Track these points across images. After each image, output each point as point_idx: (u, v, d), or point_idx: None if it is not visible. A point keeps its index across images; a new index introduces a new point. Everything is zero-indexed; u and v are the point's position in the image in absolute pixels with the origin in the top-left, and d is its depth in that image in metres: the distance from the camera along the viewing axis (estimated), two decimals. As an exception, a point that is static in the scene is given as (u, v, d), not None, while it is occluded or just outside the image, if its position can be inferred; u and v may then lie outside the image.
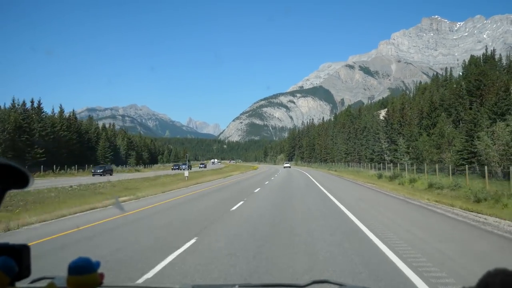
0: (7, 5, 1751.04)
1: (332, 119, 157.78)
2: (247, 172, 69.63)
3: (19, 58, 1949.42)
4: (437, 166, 36.37)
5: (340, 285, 1.96)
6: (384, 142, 66.41)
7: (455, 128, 54.60)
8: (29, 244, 1.32)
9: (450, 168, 33.52)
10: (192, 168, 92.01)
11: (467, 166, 30.45)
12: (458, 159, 44.03)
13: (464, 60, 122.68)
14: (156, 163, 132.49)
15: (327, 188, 29.20)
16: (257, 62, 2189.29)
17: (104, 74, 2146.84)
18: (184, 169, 63.07)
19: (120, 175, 52.99)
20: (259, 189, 29.60)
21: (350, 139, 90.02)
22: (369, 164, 71.85)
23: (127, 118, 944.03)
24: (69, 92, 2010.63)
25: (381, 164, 63.08)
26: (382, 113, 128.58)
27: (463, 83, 66.95)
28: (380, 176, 44.38)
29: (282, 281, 5.71)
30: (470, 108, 54.62)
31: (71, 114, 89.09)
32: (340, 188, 30.46)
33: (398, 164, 55.17)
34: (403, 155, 59.32)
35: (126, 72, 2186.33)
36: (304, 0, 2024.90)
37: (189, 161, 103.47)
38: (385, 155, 66.18)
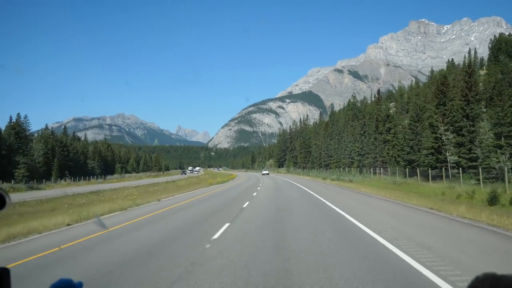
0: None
1: (328, 119, 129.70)
2: (204, 189, 41.14)
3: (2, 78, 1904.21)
4: None
5: None
6: (445, 131, 37.76)
7: None
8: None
9: None
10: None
11: None
12: None
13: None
14: (112, 173, 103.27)
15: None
16: (245, 68, 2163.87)
17: (92, 85, 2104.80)
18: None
19: None
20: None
21: (366, 134, 61.29)
22: (406, 170, 43.42)
23: (114, 128, 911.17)
24: (56, 104, 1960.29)
25: (439, 169, 35.29)
26: (392, 107, 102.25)
27: None
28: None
29: None
30: None
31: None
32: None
33: (480, 169, 27.65)
34: (492, 152, 30.95)
35: (114, 82, 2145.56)
36: (292, 6, 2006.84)
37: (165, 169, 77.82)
38: (446, 154, 37.55)
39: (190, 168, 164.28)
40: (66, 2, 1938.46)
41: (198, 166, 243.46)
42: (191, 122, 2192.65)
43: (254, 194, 28.29)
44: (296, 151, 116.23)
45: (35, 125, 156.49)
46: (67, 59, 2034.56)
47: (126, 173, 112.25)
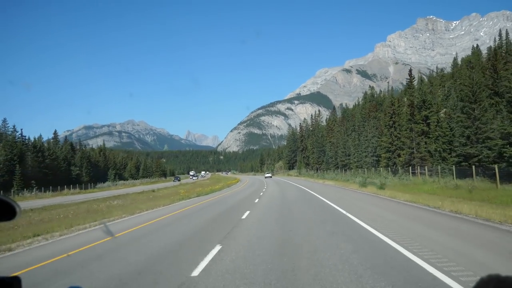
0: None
1: (340, 117, 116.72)
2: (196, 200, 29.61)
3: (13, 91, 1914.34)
4: None
5: None
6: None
7: None
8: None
9: None
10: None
11: None
12: None
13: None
14: (104, 181, 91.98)
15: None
16: (253, 71, 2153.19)
17: (101, 93, 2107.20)
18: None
19: None
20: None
21: (396, 125, 48.62)
22: (453, 168, 31.30)
23: (124, 134, 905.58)
24: (67, 113, 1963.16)
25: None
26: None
27: None
28: None
29: None
30: None
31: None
32: None
33: None
34: None
35: (123, 88, 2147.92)
36: (298, 8, 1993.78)
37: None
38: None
39: (191, 172, 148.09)
40: (75, 15, 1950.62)
41: (203, 171, 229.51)
42: (201, 127, 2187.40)
43: (244, 216, 16.36)
44: (308, 151, 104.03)
45: (46, 134, 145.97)
46: (76, 69, 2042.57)
47: (121, 179, 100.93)
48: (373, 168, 54.33)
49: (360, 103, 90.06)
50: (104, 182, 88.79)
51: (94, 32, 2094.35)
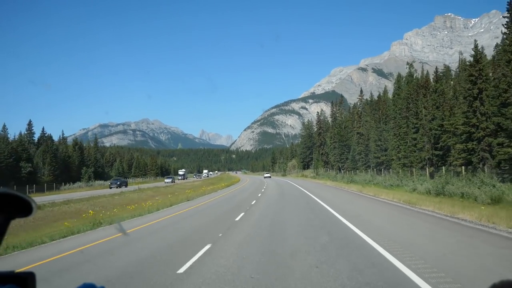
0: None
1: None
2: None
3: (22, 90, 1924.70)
4: None
5: None
6: None
7: None
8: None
9: None
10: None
11: None
12: None
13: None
14: (78, 180, 73.61)
15: None
16: (267, 70, 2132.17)
17: (117, 91, 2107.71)
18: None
19: None
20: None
21: (484, 98, 28.69)
22: None
23: (138, 133, 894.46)
24: (83, 112, 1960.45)
25: None
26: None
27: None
28: None
29: None
30: None
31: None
32: None
33: None
34: None
35: (138, 87, 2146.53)
36: (313, 8, 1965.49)
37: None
38: None
39: (181, 172, 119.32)
40: (91, 19, 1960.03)
41: (206, 170, 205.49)
42: (215, 126, 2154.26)
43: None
44: (327, 146, 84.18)
45: (65, 132, 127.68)
46: (93, 68, 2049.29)
47: (102, 179, 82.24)
48: (429, 168, 34.36)
49: (403, 82, 69.77)
50: (74, 183, 70.50)
51: (112, 35, 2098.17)
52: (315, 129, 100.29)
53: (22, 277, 1.16)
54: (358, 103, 79.59)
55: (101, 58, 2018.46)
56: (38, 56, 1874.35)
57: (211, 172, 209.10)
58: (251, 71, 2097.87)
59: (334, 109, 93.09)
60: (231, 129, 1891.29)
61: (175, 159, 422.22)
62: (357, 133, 63.02)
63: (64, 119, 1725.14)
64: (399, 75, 76.85)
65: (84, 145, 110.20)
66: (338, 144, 72.94)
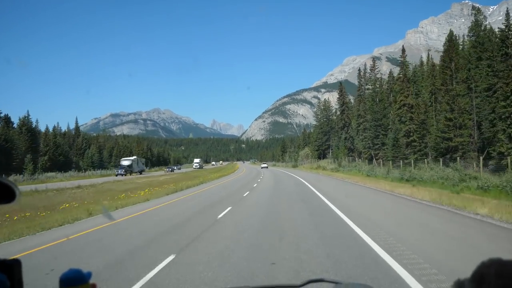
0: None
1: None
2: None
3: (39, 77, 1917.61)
4: None
5: (336, 283, 1.78)
6: None
7: None
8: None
9: None
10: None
11: None
12: None
13: None
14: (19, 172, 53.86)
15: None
16: (279, 60, 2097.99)
17: (129, 81, 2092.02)
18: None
19: None
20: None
21: None
22: None
23: (149, 122, 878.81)
24: (95, 101, 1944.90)
25: None
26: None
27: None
28: None
29: None
30: None
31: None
32: None
33: None
34: None
35: (150, 77, 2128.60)
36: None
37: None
38: None
39: (175, 167, 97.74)
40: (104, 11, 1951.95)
41: (197, 159, 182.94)
42: (226, 116, 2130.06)
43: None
44: (352, 129, 63.23)
45: (74, 122, 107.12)
46: (105, 57, 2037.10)
47: (50, 171, 61.65)
48: None
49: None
50: (17, 174, 50.85)
51: (124, 26, 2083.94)
52: (336, 108, 79.23)
53: (7, 264, 1.12)
54: (399, 71, 57.23)
55: (115, 47, 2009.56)
56: (52, 45, 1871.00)
57: (213, 163, 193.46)
58: (262, 61, 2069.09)
59: (362, 80, 71.72)
60: (243, 119, 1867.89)
61: (183, 148, 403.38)
62: (404, 105, 41.88)
63: (76, 108, 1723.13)
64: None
65: (64, 130, 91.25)
66: (371, 124, 51.88)
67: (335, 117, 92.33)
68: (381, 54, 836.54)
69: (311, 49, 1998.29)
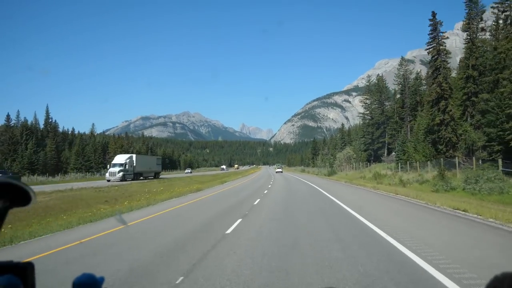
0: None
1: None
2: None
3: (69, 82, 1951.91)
4: None
5: None
6: None
7: None
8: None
9: None
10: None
11: None
12: None
13: None
14: None
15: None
16: (310, 63, 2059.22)
17: (159, 84, 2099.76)
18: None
19: None
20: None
21: None
22: None
23: (177, 125, 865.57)
24: (127, 104, 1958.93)
25: None
26: None
27: None
28: None
29: None
30: None
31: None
32: None
33: None
34: None
35: (181, 80, 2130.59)
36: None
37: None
38: None
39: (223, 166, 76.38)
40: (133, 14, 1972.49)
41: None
42: (255, 120, 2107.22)
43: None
44: (453, 100, 34.98)
45: (107, 125, 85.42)
46: (137, 63, 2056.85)
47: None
48: None
49: None
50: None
51: (155, 30, 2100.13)
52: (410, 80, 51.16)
53: (21, 267, 1.11)
54: None
55: (149, 56, 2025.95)
56: (89, 52, 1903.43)
57: (223, 167, 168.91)
58: (294, 66, 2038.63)
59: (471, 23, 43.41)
60: (272, 123, 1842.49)
61: (207, 151, 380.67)
62: None
63: (109, 111, 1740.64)
64: None
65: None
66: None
67: (391, 103, 64.33)
68: (414, 57, 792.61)
69: (342, 53, 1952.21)
